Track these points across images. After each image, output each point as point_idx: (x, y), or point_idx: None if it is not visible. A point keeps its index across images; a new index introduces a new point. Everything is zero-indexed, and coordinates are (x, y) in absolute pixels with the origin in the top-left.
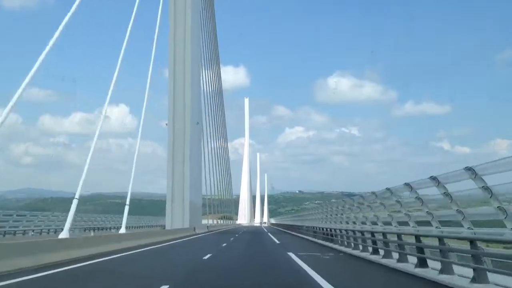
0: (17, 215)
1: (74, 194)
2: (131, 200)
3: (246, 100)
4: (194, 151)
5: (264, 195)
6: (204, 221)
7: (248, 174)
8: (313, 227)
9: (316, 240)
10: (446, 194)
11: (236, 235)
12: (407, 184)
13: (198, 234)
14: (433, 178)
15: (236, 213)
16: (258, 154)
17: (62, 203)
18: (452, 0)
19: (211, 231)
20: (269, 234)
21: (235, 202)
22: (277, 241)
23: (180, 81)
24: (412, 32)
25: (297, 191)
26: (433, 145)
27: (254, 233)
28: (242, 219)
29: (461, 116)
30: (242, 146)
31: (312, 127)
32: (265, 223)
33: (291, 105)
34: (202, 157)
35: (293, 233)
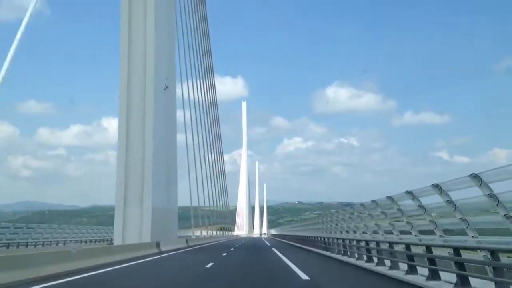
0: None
1: (74, 207)
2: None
3: (244, 104)
4: (160, 130)
5: (263, 206)
6: (190, 233)
7: (247, 182)
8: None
9: (373, 268)
10: (491, 195)
11: (224, 254)
12: (435, 186)
13: (163, 253)
14: (475, 176)
15: (233, 224)
16: (257, 163)
17: (59, 216)
18: (451, 10)
19: (192, 246)
20: (274, 250)
21: (232, 213)
22: (303, 275)
23: (139, 19)
24: (411, 42)
25: (296, 202)
26: (432, 155)
27: (253, 249)
28: (240, 230)
29: (460, 126)
30: (241, 157)
31: (310, 138)
32: (265, 234)
33: (290, 116)
34: (177, 144)
35: (309, 248)
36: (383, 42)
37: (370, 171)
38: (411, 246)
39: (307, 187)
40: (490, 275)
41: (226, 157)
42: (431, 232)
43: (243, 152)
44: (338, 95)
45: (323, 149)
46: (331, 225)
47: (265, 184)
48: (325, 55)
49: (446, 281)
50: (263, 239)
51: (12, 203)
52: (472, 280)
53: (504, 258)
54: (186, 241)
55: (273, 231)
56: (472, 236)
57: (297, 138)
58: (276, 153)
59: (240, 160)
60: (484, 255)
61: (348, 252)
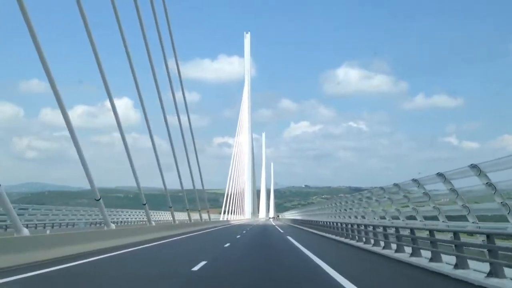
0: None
1: (78, 188)
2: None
3: (247, 36)
4: None
5: (269, 189)
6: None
7: (250, 152)
8: None
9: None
10: (489, 184)
11: None
12: (440, 174)
13: None
14: (474, 166)
15: (238, 208)
16: (263, 135)
17: (60, 197)
18: None
19: None
20: None
21: (216, 195)
22: None
23: None
24: (425, 21)
25: (303, 186)
26: (441, 140)
27: None
28: (238, 214)
29: (472, 110)
30: (245, 141)
31: (318, 121)
32: (273, 218)
33: (297, 98)
34: None
35: None
36: (396, 20)
37: (378, 156)
38: (415, 230)
39: (314, 171)
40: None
41: (231, 141)
42: (434, 218)
43: (244, 100)
44: (348, 77)
45: (331, 133)
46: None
47: (272, 164)
48: (335, 35)
49: (447, 263)
50: (277, 227)
51: (19, 184)
52: (470, 262)
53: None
54: None
55: (288, 215)
56: (472, 222)
57: (304, 122)
58: (283, 137)
59: (244, 144)
60: (483, 240)
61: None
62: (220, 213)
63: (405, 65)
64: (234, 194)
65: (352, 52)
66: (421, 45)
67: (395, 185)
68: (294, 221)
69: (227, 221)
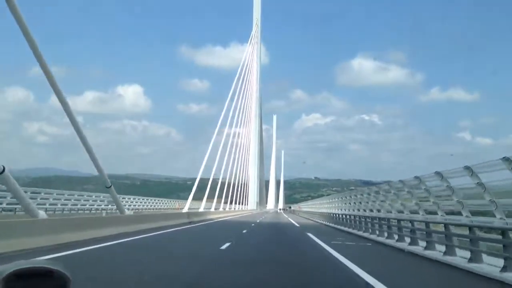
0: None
1: (89, 174)
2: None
3: None
4: None
5: (278, 179)
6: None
7: (256, 136)
8: None
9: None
10: None
11: None
12: (467, 168)
13: None
14: (506, 159)
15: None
16: (274, 117)
17: (67, 182)
18: None
19: None
20: None
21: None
22: None
23: None
24: (442, 15)
25: (313, 178)
26: (455, 136)
27: None
28: (237, 204)
29: (488, 104)
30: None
31: (330, 113)
32: (283, 209)
33: (310, 89)
34: None
35: None
36: (414, 12)
37: (390, 150)
38: (430, 224)
39: (324, 163)
40: None
41: (243, 130)
42: (457, 213)
43: (253, 73)
44: (363, 68)
45: (342, 126)
46: None
47: (282, 151)
48: (352, 26)
49: (461, 257)
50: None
51: (29, 168)
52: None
53: None
54: None
55: (305, 207)
56: (500, 218)
57: (316, 114)
58: (294, 128)
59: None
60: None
61: None
62: (226, 203)
63: (422, 55)
64: (231, 180)
65: (368, 42)
66: (439, 34)
67: (416, 177)
68: (336, 219)
69: (201, 215)
